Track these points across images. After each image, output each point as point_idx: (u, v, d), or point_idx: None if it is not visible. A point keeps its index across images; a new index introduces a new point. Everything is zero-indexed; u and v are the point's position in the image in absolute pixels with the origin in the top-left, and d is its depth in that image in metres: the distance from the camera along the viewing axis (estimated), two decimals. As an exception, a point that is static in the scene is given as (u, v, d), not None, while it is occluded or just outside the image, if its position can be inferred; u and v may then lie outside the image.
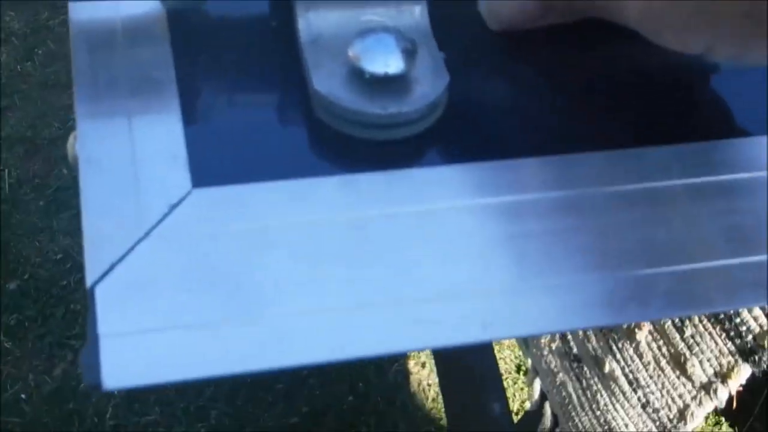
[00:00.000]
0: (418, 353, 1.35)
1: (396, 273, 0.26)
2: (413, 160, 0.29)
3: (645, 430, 0.57)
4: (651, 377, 0.55)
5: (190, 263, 0.26)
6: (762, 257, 0.27)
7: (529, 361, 0.68)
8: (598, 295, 0.26)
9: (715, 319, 0.69)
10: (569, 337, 0.74)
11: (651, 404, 0.56)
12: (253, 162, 0.28)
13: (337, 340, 0.25)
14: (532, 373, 0.68)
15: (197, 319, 0.25)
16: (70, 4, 0.31)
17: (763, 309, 0.48)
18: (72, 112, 1.53)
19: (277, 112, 0.30)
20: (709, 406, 0.52)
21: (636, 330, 0.59)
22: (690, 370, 0.52)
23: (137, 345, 0.24)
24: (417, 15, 0.29)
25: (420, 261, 0.26)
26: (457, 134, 0.29)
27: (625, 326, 0.79)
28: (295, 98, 0.29)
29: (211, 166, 0.28)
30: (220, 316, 0.25)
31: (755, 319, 0.49)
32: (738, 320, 0.59)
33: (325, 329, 0.25)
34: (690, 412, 0.53)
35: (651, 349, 0.55)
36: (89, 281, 0.25)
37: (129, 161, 0.27)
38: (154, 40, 0.30)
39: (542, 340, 0.75)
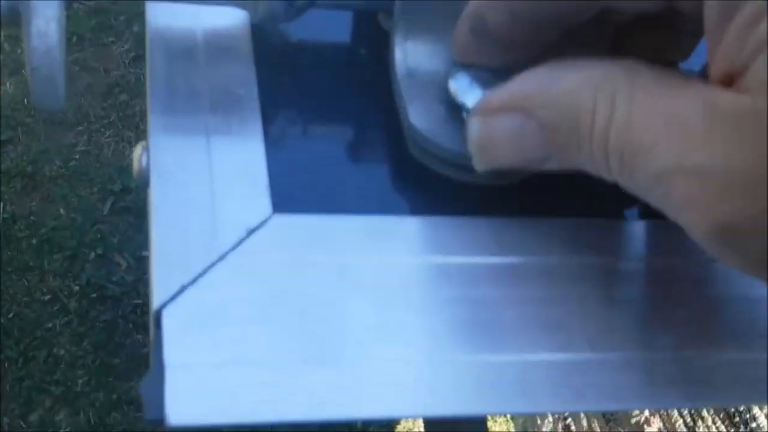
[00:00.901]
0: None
1: (473, 327, 0.24)
2: (506, 209, 0.27)
3: None
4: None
5: (266, 293, 0.23)
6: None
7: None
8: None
9: (729, 421, 0.67)
10: (573, 428, 0.71)
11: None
12: (336, 192, 0.26)
13: (414, 396, 0.23)
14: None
15: (271, 356, 0.22)
16: (148, 5, 0.29)
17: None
18: (76, 152, 1.51)
19: (365, 144, 0.28)
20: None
21: (645, 426, 0.56)
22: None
23: (206, 379, 0.22)
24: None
25: (501, 319, 0.24)
26: (548, 188, 0.27)
27: (633, 421, 0.76)
28: (385, 130, 0.28)
29: (292, 192, 0.26)
30: (296, 355, 0.23)
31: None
32: (754, 425, 0.56)
33: (401, 382, 0.23)
34: None
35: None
36: (156, 303, 0.23)
37: (206, 179, 0.25)
38: (237, 55, 0.28)
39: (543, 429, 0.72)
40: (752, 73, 0.18)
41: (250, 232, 0.24)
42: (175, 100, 0.27)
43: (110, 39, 1.74)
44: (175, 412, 0.21)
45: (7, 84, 1.63)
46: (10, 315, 1.33)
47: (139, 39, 1.73)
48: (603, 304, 0.25)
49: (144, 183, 0.26)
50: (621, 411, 0.72)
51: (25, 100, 1.61)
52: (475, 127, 0.24)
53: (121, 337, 1.33)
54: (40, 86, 0.23)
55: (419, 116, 0.26)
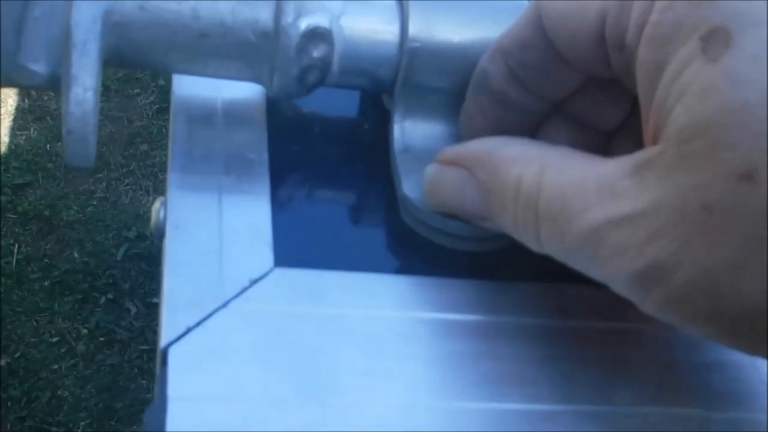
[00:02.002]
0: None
1: (451, 377, 0.26)
2: (488, 273, 0.29)
3: None
4: None
5: (264, 337, 0.26)
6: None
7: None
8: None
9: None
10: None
11: None
12: (334, 251, 0.29)
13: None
14: None
15: (266, 395, 0.25)
16: (175, 78, 0.32)
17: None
18: (94, 198, 1.55)
19: (363, 209, 0.30)
20: None
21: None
22: None
23: (205, 412, 0.24)
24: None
25: (477, 371, 0.26)
26: (528, 256, 0.30)
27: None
28: (382, 198, 0.30)
29: (294, 248, 0.28)
30: (288, 395, 0.25)
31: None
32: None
33: (382, 424, 0.25)
34: None
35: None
36: (164, 342, 0.25)
37: (216, 233, 0.28)
38: (251, 124, 0.31)
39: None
40: (671, 123, 0.20)
41: (253, 282, 0.27)
42: (194, 161, 0.30)
43: (135, 91, 1.79)
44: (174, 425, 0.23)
45: (31, 129, 1.68)
46: (17, 355, 1.35)
47: (164, 92, 1.78)
48: (571, 362, 0.27)
49: (160, 234, 0.29)
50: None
51: (48, 145, 1.66)
52: (429, 171, 0.28)
53: (125, 381, 1.35)
54: (73, 147, 0.26)
55: (412, 188, 0.29)
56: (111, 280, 1.48)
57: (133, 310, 1.45)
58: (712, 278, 0.20)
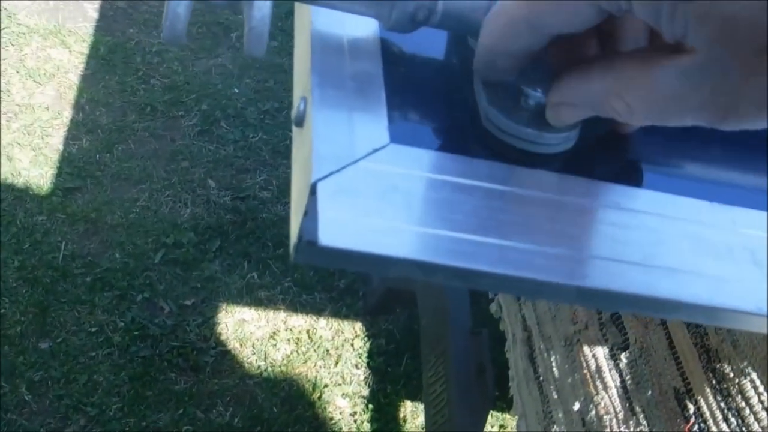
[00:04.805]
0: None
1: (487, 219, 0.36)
2: (545, 166, 0.39)
3: None
4: None
5: (385, 186, 0.36)
6: None
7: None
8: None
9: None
10: None
11: None
12: (431, 138, 0.39)
13: (464, 255, 0.35)
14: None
15: (388, 223, 0.35)
16: (313, 17, 0.43)
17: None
18: (136, 206, 1.65)
19: (454, 116, 0.41)
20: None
21: None
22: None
23: (347, 223, 0.34)
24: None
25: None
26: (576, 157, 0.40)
27: None
28: (468, 111, 0.41)
29: (404, 133, 0.38)
30: (399, 222, 0.35)
31: None
32: None
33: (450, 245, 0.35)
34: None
35: None
36: (313, 178, 0.35)
37: (346, 116, 0.38)
38: (369, 52, 0.42)
39: None
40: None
41: (375, 150, 0.37)
42: (328, 73, 0.40)
43: (180, 113, 1.91)
44: (326, 237, 0.33)
45: (83, 140, 1.80)
46: (59, 340, 1.45)
47: (205, 115, 1.90)
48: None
49: (299, 122, 0.39)
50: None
51: (97, 155, 1.77)
52: None
53: (156, 373, 1.44)
54: (252, 41, 0.37)
55: (488, 103, 0.39)
56: (147, 281, 1.57)
57: (167, 309, 1.54)
58: None
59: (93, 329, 1.48)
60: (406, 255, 0.34)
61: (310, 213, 0.34)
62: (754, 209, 0.41)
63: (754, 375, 0.71)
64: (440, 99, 0.42)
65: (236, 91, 1.98)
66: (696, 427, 0.76)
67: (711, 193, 0.41)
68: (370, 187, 0.36)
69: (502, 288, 0.38)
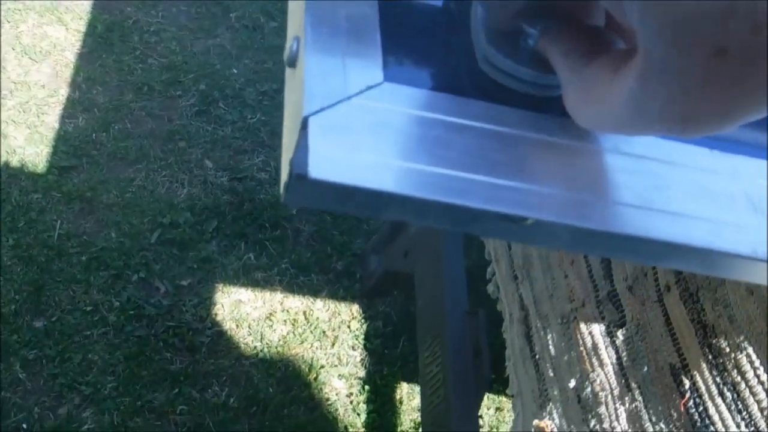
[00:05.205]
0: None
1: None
2: (537, 108, 0.39)
3: None
4: None
5: (376, 121, 0.35)
6: None
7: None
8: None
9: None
10: None
11: None
12: (427, 79, 0.38)
13: (456, 191, 0.34)
14: None
15: (377, 158, 0.34)
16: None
17: None
18: (132, 185, 1.64)
19: (452, 58, 0.40)
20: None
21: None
22: None
23: (337, 157, 0.33)
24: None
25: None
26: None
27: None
28: (465, 54, 0.40)
29: (398, 72, 0.38)
30: (391, 158, 0.34)
31: None
32: None
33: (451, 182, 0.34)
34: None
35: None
36: (305, 113, 0.34)
37: (340, 55, 0.37)
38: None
39: None
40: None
41: (369, 87, 0.36)
42: (323, 16, 0.39)
43: (177, 93, 1.90)
44: (316, 170, 0.32)
45: (80, 119, 1.79)
46: (54, 319, 1.44)
47: (204, 96, 1.89)
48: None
49: (291, 62, 0.39)
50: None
51: (93, 134, 1.76)
52: None
53: (151, 353, 1.43)
54: None
55: (487, 42, 0.38)
56: (143, 261, 1.57)
57: (162, 289, 1.54)
58: None
59: (88, 308, 1.47)
60: (398, 190, 0.33)
61: (301, 147, 0.34)
62: (755, 158, 0.41)
63: (750, 350, 0.71)
64: (436, 41, 0.41)
65: (235, 71, 1.97)
66: (691, 402, 0.76)
67: (711, 142, 0.40)
68: (362, 123, 0.35)
69: (494, 232, 0.37)
